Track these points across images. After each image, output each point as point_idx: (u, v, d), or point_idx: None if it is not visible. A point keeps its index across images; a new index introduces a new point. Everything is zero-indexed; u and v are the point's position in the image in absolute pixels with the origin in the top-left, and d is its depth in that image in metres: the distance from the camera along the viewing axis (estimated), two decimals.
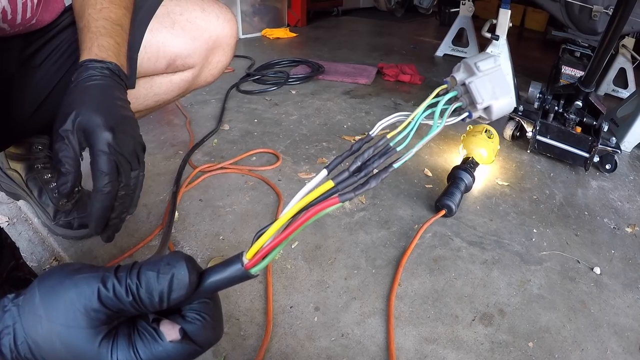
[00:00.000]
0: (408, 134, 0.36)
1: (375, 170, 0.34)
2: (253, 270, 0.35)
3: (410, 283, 1.14)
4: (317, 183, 0.33)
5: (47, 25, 0.90)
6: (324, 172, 0.34)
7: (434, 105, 0.38)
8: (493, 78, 0.37)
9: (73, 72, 0.88)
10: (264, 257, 0.34)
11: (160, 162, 1.58)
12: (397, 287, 1.11)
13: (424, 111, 0.37)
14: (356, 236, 1.29)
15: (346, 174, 0.33)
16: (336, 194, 0.32)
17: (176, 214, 1.30)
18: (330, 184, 0.33)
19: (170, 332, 0.38)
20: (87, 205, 1.20)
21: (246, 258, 0.35)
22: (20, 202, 1.31)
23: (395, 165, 0.33)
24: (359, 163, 0.34)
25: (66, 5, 0.93)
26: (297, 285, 1.10)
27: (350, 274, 1.15)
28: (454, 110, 0.39)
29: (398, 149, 0.35)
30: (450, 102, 0.39)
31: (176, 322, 0.39)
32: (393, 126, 0.36)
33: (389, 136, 0.35)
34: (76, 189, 1.21)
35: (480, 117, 0.39)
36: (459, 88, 0.38)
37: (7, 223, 1.26)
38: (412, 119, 0.36)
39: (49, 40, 0.91)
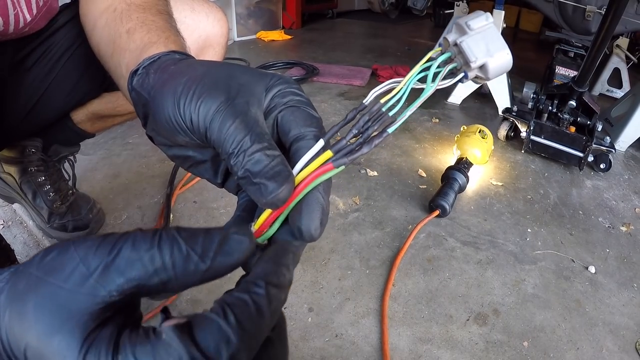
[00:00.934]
0: (400, 97, 0.36)
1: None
2: (260, 239, 0.36)
3: (404, 283, 1.14)
4: (315, 154, 0.34)
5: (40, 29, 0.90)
6: (321, 142, 0.34)
7: (428, 69, 0.37)
8: (486, 35, 0.36)
9: (64, 74, 0.87)
10: (268, 227, 0.35)
11: (154, 165, 1.57)
12: (391, 287, 1.11)
13: (418, 74, 0.37)
14: (350, 237, 1.29)
15: (344, 142, 0.33)
16: (330, 161, 0.32)
17: (171, 215, 1.30)
18: (328, 154, 0.33)
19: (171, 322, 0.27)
20: (81, 208, 1.21)
21: (254, 228, 0.36)
22: (15, 205, 1.31)
23: (390, 130, 0.33)
24: (355, 131, 0.34)
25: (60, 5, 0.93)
26: (291, 286, 1.09)
27: (344, 275, 1.15)
28: (450, 72, 0.38)
29: (390, 113, 0.35)
30: (444, 64, 0.38)
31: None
32: (387, 94, 0.36)
33: (382, 101, 0.35)
34: (70, 191, 1.21)
35: (477, 77, 0.38)
36: (452, 49, 0.38)
37: (2, 226, 1.26)
38: (405, 83, 0.36)
39: (40, 43, 0.91)
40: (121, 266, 0.27)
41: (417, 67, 0.37)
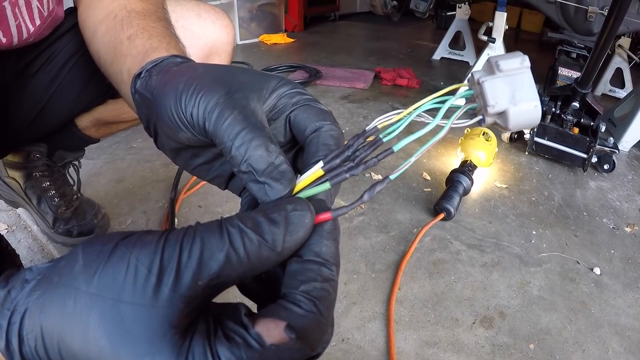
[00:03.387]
0: (399, 126, 0.33)
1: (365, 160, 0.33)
2: None
3: (410, 287, 1.13)
4: (311, 173, 0.33)
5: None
6: (320, 163, 0.33)
7: (442, 102, 0.34)
8: (515, 80, 0.33)
9: (68, 81, 0.86)
10: None
11: (159, 169, 1.58)
12: (396, 291, 1.11)
13: (429, 105, 0.34)
14: (355, 241, 1.29)
15: (337, 162, 0.33)
16: (328, 210, 0.31)
17: (175, 220, 1.30)
18: (319, 172, 0.33)
19: (271, 332, 0.26)
20: (86, 213, 1.21)
21: None
22: (20, 210, 1.31)
23: (392, 177, 0.32)
24: (349, 153, 0.33)
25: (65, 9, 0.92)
26: None
27: (350, 279, 1.15)
28: (467, 112, 0.35)
29: (385, 139, 0.33)
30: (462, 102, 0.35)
31: (278, 315, 0.27)
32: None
33: (380, 127, 0.34)
34: (75, 196, 1.21)
35: (496, 124, 0.34)
36: (476, 87, 0.34)
37: (6, 230, 1.26)
38: (409, 112, 0.34)
39: (45, 49, 0.90)
40: (195, 269, 0.25)
41: (430, 98, 0.34)
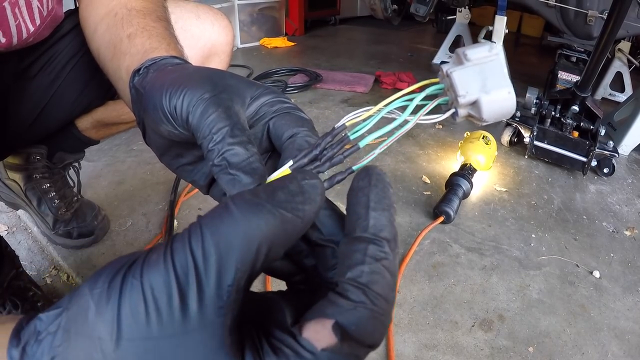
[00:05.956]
0: (367, 124, 0.33)
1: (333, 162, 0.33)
2: None
3: (409, 290, 1.13)
4: (280, 173, 0.33)
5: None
6: (290, 162, 0.33)
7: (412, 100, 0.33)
8: (486, 69, 0.31)
9: (68, 82, 0.86)
10: None
11: (159, 171, 1.58)
12: (396, 294, 1.10)
13: (398, 103, 0.33)
14: None
15: (305, 161, 0.32)
16: None
17: (175, 222, 1.30)
18: (287, 171, 0.32)
19: (320, 335, 0.23)
20: (86, 215, 1.21)
21: None
22: (20, 212, 1.31)
23: (354, 168, 0.31)
24: (317, 152, 0.32)
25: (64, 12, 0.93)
26: None
27: None
28: (439, 106, 0.34)
29: (352, 137, 0.32)
30: (433, 97, 0.34)
31: (324, 313, 0.24)
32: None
33: (347, 124, 0.33)
34: (75, 198, 1.21)
35: (471, 117, 0.33)
36: (445, 80, 0.33)
37: (6, 232, 1.26)
38: (377, 110, 0.33)
39: (45, 51, 0.91)
40: (217, 270, 0.22)
41: (398, 95, 0.33)
